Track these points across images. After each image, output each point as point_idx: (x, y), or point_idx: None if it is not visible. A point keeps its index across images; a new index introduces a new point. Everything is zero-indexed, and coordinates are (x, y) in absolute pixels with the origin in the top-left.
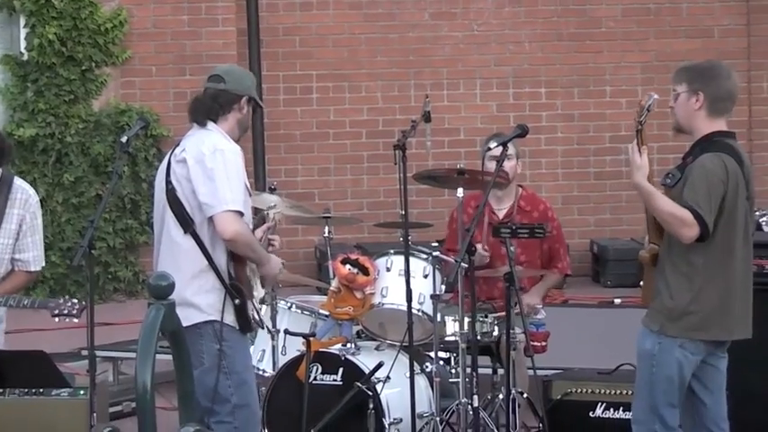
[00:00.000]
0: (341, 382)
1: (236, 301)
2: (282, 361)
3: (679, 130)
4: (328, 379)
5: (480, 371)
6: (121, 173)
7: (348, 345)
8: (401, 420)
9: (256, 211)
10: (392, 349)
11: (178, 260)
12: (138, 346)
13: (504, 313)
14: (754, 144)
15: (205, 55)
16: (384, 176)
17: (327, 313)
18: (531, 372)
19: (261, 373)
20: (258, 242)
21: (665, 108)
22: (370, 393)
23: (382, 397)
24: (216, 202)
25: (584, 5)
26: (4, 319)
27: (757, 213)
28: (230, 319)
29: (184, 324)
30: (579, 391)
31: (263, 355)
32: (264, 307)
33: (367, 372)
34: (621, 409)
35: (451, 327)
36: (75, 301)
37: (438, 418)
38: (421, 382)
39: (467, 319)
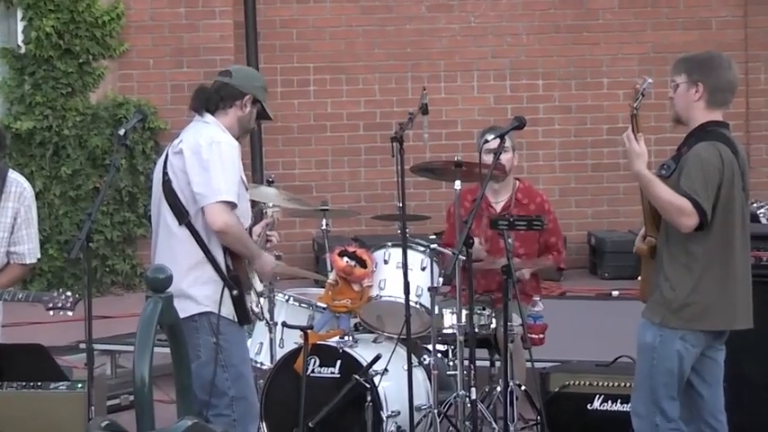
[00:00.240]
0: (338, 375)
1: (234, 293)
2: (280, 354)
3: (678, 121)
4: (326, 372)
5: (478, 363)
6: (119, 165)
7: (346, 337)
8: (399, 413)
9: (254, 203)
10: (390, 342)
11: (174, 252)
12: (135, 339)
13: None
14: (751, 135)
15: (202, 48)
16: (381, 169)
17: (325, 306)
18: (528, 364)
19: (259, 365)
20: (249, 237)
21: (663, 100)
22: (368, 386)
23: (380, 389)
24: (209, 192)
25: None
26: (1, 311)
27: (754, 205)
28: (228, 311)
29: (181, 316)
30: (577, 383)
31: (261, 348)
32: (262, 299)
33: (365, 364)
34: (619, 401)
35: (449, 319)
36: (69, 293)
37: (436, 411)
38: (419, 374)
39: (464, 312)
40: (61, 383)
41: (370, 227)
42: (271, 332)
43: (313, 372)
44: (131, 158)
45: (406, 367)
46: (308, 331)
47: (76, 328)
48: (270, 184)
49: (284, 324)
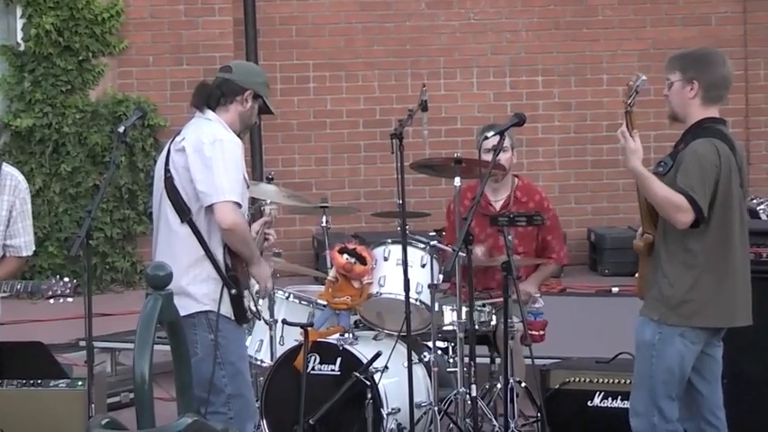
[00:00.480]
0: (339, 372)
1: (233, 292)
2: (280, 351)
3: (674, 119)
4: (326, 369)
5: (478, 360)
6: (119, 163)
7: (346, 334)
8: (399, 410)
9: (253, 201)
10: (390, 339)
11: (175, 249)
12: (136, 336)
13: (500, 300)
14: (751, 132)
15: (202, 45)
16: (381, 166)
17: (325, 303)
18: (528, 361)
19: (259, 363)
20: (253, 239)
21: (662, 96)
22: (368, 383)
23: (380, 387)
24: (213, 191)
25: None
26: (0, 307)
27: (754, 201)
28: (226, 309)
29: (181, 314)
30: (577, 380)
31: (261, 346)
32: (260, 298)
33: (365, 361)
34: (620, 397)
35: (449, 316)
36: (67, 279)
37: (436, 408)
38: (419, 371)
39: (464, 309)
40: (61, 381)
41: (370, 224)
42: (271, 329)
43: (313, 369)
44: (131, 156)
45: (406, 364)
46: (309, 328)
47: (76, 325)
48: (270, 181)
49: (284, 321)
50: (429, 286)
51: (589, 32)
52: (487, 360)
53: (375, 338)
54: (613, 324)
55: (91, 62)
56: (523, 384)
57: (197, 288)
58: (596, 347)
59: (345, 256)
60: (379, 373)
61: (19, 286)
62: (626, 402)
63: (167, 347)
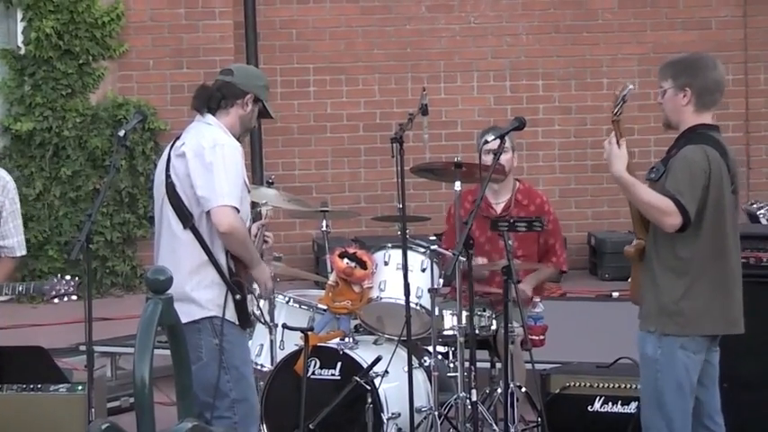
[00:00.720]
0: (339, 377)
1: (237, 297)
2: (281, 355)
3: (668, 126)
4: (326, 373)
5: (478, 365)
6: (119, 166)
7: (346, 339)
8: (399, 415)
9: (254, 205)
10: (390, 343)
11: (177, 255)
12: (136, 340)
13: (497, 291)
14: (751, 136)
15: (202, 48)
16: (381, 170)
17: (325, 307)
18: (529, 365)
19: (259, 367)
20: (253, 242)
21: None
22: (369, 388)
23: (380, 391)
24: (213, 195)
25: None
26: None
27: (754, 206)
28: (230, 314)
29: (185, 320)
30: (577, 384)
31: (262, 350)
32: (262, 302)
33: (365, 366)
34: (620, 402)
35: (449, 321)
36: (69, 277)
37: (436, 413)
38: (419, 376)
39: (465, 313)
40: (61, 385)
41: (370, 228)
42: (271, 334)
43: (313, 373)
44: (131, 159)
45: (406, 369)
46: (309, 333)
47: (76, 329)
48: (270, 185)
49: (284, 326)
50: (429, 290)
51: (589, 36)
52: (488, 365)
53: (375, 343)
54: (614, 329)
55: (91, 66)
56: (524, 389)
57: (201, 294)
58: (596, 352)
59: (346, 260)
60: (379, 378)
61: (21, 288)
62: (626, 407)
63: (167, 352)
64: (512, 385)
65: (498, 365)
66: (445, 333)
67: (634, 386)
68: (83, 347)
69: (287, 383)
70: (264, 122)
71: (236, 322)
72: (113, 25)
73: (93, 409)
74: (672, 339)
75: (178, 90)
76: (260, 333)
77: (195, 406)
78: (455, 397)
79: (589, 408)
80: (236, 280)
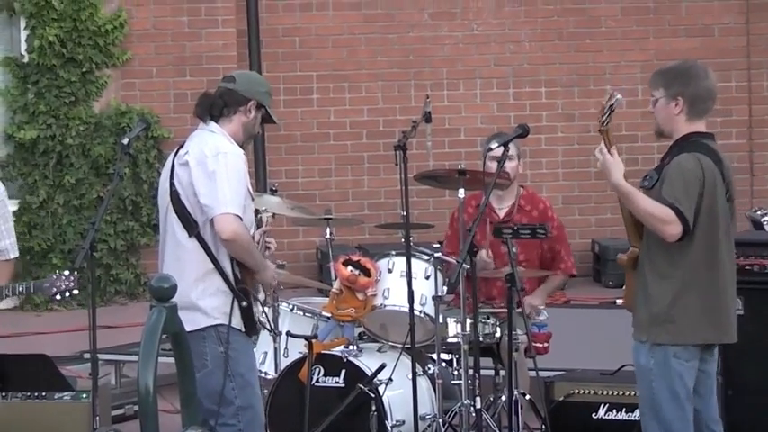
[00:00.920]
0: (343, 384)
1: (243, 304)
2: (284, 363)
3: (661, 135)
4: (330, 381)
5: (482, 372)
6: (122, 174)
7: (350, 346)
8: (403, 422)
9: (255, 212)
10: (394, 351)
11: (182, 263)
12: (140, 348)
13: (503, 311)
14: (755, 143)
15: (205, 56)
16: (385, 177)
17: (329, 315)
18: (533, 373)
19: (263, 375)
20: (257, 248)
21: None
22: (373, 395)
23: (384, 399)
24: (215, 203)
25: (584, 4)
26: None
27: (758, 212)
28: (236, 321)
29: (190, 328)
30: (581, 392)
31: (266, 358)
32: (266, 309)
33: (369, 373)
34: (624, 409)
35: (453, 328)
36: (67, 272)
37: (440, 420)
38: (423, 383)
39: (468, 321)
40: (65, 393)
41: (374, 235)
42: (275, 341)
43: (317, 381)
44: (135, 167)
45: (410, 376)
46: (313, 340)
47: (81, 337)
48: (273, 192)
49: (288, 333)
50: (433, 298)
51: (592, 43)
52: (492, 372)
53: (379, 350)
54: (617, 336)
55: (94, 74)
56: (528, 396)
57: (207, 302)
58: (600, 359)
59: (349, 267)
60: (383, 385)
61: (21, 288)
62: (630, 414)
63: (171, 359)
64: (516, 393)
65: (502, 373)
66: (449, 340)
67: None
68: (87, 355)
69: (291, 391)
70: (268, 130)
71: (242, 329)
72: (116, 33)
73: (97, 417)
74: (664, 348)
75: (181, 98)
76: (264, 340)
77: (200, 413)
78: (459, 404)
79: (593, 415)
80: (242, 287)
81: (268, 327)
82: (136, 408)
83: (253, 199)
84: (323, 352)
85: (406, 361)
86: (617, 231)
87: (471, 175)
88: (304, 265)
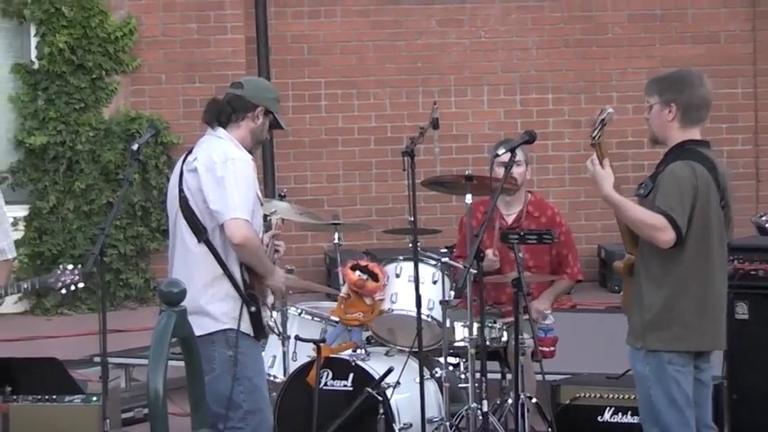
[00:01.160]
0: (351, 388)
1: (252, 309)
2: (293, 367)
3: (655, 142)
4: (339, 384)
5: (489, 376)
6: (132, 180)
7: (358, 350)
8: (411, 425)
9: (266, 218)
10: (402, 355)
11: (192, 268)
12: (149, 352)
13: (511, 318)
14: (761, 149)
15: (214, 63)
16: (392, 183)
17: (337, 319)
18: (539, 377)
19: (272, 378)
20: (266, 253)
21: None
22: (381, 399)
23: (392, 402)
24: (225, 209)
25: (591, 12)
26: None
27: (764, 218)
28: (245, 326)
29: (199, 333)
30: (587, 395)
31: (274, 361)
32: (275, 313)
33: (377, 377)
34: (630, 413)
35: (460, 332)
36: (71, 266)
37: (447, 423)
38: (430, 387)
39: (476, 325)
40: (76, 396)
41: (382, 240)
42: (284, 345)
43: (326, 384)
44: (144, 173)
45: (417, 380)
46: (321, 344)
47: (90, 341)
48: (282, 198)
49: (297, 337)
50: (440, 302)
51: (599, 50)
52: (498, 376)
53: (387, 354)
54: (623, 340)
55: (104, 80)
56: (534, 400)
57: (216, 307)
58: (606, 363)
59: (357, 272)
60: (390, 389)
61: (26, 285)
62: (636, 418)
63: (181, 363)
64: (522, 396)
65: (509, 376)
66: (456, 344)
67: None
68: (97, 359)
69: (299, 394)
70: (276, 136)
71: (251, 334)
72: (126, 40)
73: (107, 420)
74: (658, 355)
75: (190, 104)
76: (273, 344)
77: (209, 417)
78: (466, 408)
79: (599, 418)
80: (251, 292)
81: (276, 331)
82: (145, 411)
83: (262, 204)
84: (331, 356)
85: (414, 365)
86: None
87: (478, 181)
88: (312, 270)
